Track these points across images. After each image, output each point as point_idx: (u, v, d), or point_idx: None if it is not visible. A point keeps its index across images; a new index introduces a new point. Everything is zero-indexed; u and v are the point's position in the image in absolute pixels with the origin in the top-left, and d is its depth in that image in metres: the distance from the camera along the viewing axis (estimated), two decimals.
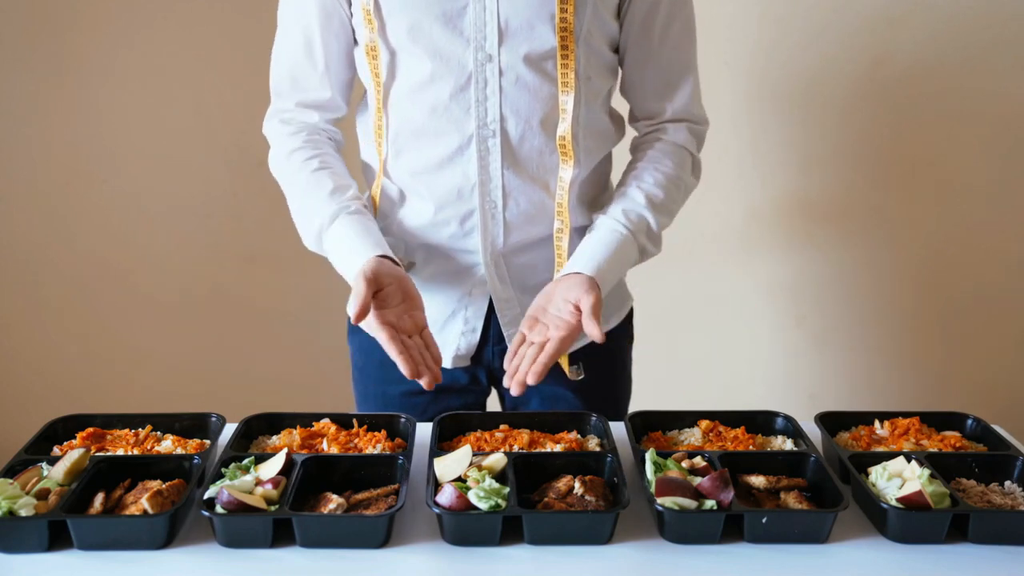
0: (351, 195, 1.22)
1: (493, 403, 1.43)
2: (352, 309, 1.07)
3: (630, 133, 1.35)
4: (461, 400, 1.36)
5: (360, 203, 1.21)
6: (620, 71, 1.28)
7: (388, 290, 1.11)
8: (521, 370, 1.10)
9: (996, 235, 2.00)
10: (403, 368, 1.05)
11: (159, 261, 2.21)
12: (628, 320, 1.41)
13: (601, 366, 1.36)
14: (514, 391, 1.09)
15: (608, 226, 1.21)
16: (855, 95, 1.97)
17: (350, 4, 1.20)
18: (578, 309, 1.12)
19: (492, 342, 1.32)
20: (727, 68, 1.98)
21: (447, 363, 1.31)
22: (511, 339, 1.29)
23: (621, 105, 1.33)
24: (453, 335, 1.30)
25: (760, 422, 1.17)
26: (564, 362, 1.29)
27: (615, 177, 1.36)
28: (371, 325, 1.08)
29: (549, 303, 1.15)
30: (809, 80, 1.98)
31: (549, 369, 1.09)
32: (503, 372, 1.33)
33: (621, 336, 1.39)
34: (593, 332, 1.09)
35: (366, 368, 1.39)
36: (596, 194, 1.31)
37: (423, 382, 1.07)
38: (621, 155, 1.36)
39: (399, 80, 1.19)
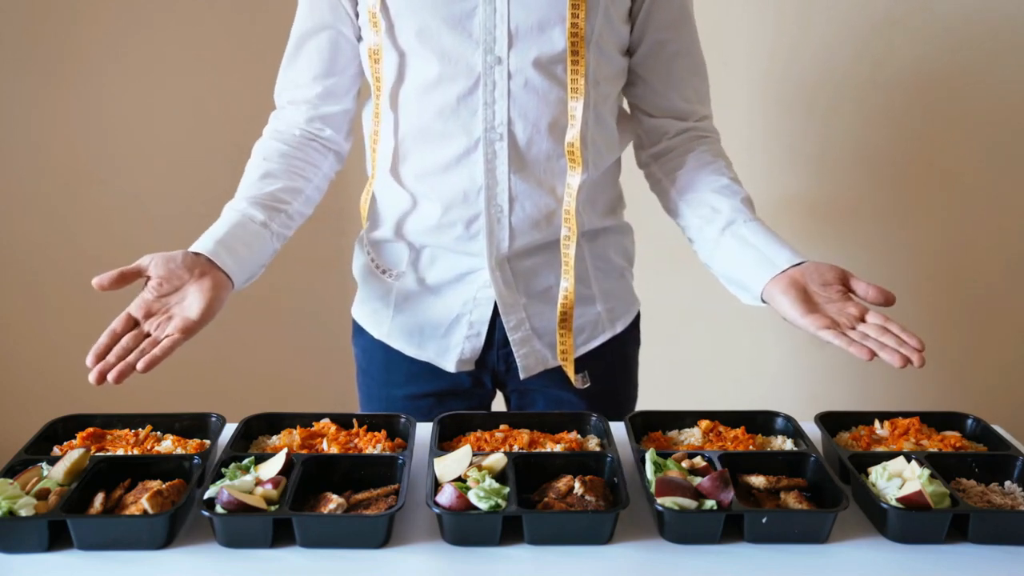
0: (261, 194, 1.21)
1: (497, 407, 1.43)
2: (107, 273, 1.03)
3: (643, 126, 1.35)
4: (465, 404, 1.36)
5: (263, 203, 1.20)
6: (634, 73, 1.27)
7: (165, 283, 1.06)
8: (910, 342, 1.01)
9: (996, 235, 2.00)
10: (89, 353, 1.00)
11: None
12: (635, 324, 1.41)
13: (608, 371, 1.36)
14: (918, 363, 0.99)
15: (754, 220, 1.19)
16: (856, 96, 1.97)
17: (356, 4, 1.20)
18: (845, 285, 1.08)
19: (497, 346, 1.31)
20: (726, 69, 1.98)
21: (451, 367, 1.31)
22: (516, 343, 1.29)
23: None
24: (457, 339, 1.30)
25: (760, 422, 1.17)
26: (570, 370, 1.29)
27: (623, 179, 1.36)
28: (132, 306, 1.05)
29: (810, 297, 1.08)
30: (809, 81, 1.98)
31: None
32: (508, 376, 1.34)
33: (628, 340, 1.39)
34: (887, 295, 1.05)
35: (370, 370, 1.39)
36: (604, 198, 1.30)
37: (90, 375, 0.99)
38: (630, 158, 1.35)
39: (407, 82, 1.19)
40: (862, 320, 1.05)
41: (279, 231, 1.22)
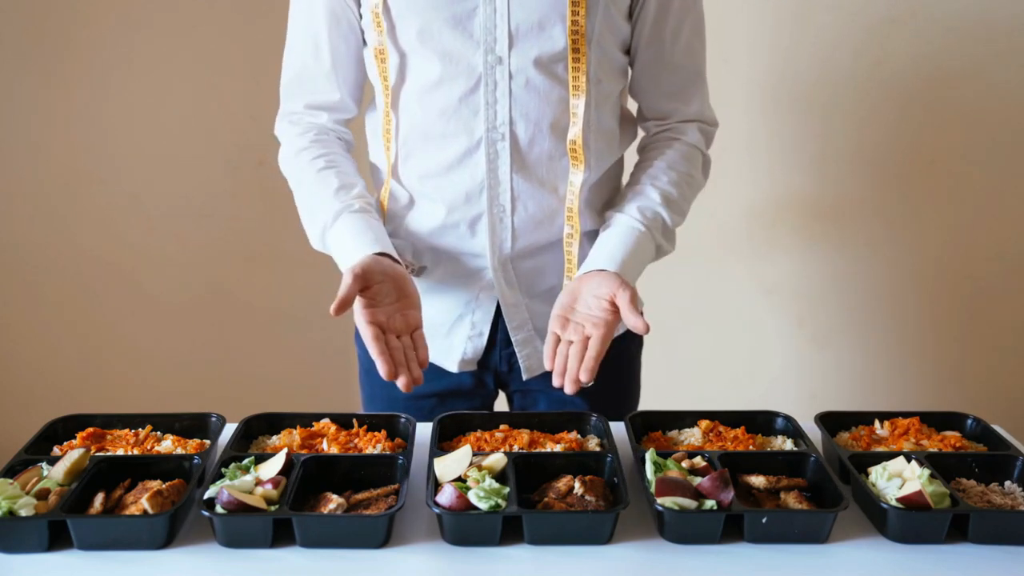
0: (356, 193, 1.21)
1: (500, 407, 1.42)
2: (334, 302, 1.05)
3: (639, 132, 1.35)
4: (468, 404, 1.35)
5: (364, 201, 1.21)
6: (630, 72, 1.27)
7: (380, 287, 1.10)
8: (571, 368, 1.08)
9: (996, 235, 2.00)
10: (380, 368, 1.04)
11: (159, 261, 2.21)
12: None
13: (610, 372, 1.36)
14: (569, 389, 1.07)
15: (625, 223, 1.20)
16: (855, 95, 1.97)
17: (359, 6, 1.20)
18: (613, 305, 1.10)
19: (499, 347, 1.31)
20: (726, 67, 1.98)
21: (453, 367, 1.31)
22: (519, 344, 1.29)
23: (630, 104, 1.33)
24: (460, 339, 1.30)
25: (760, 422, 1.17)
26: None
27: (626, 179, 1.36)
28: (359, 322, 1.07)
29: (576, 302, 1.13)
30: (809, 80, 1.98)
31: (598, 365, 1.07)
32: (511, 376, 1.34)
33: (630, 341, 1.39)
34: (637, 325, 1.06)
35: (372, 371, 1.38)
36: (607, 198, 1.30)
37: (400, 383, 1.05)
38: (631, 157, 1.35)
39: (408, 82, 1.19)
40: (587, 338, 1.10)
41: (375, 206, 1.25)
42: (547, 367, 1.11)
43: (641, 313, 1.39)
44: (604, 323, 1.10)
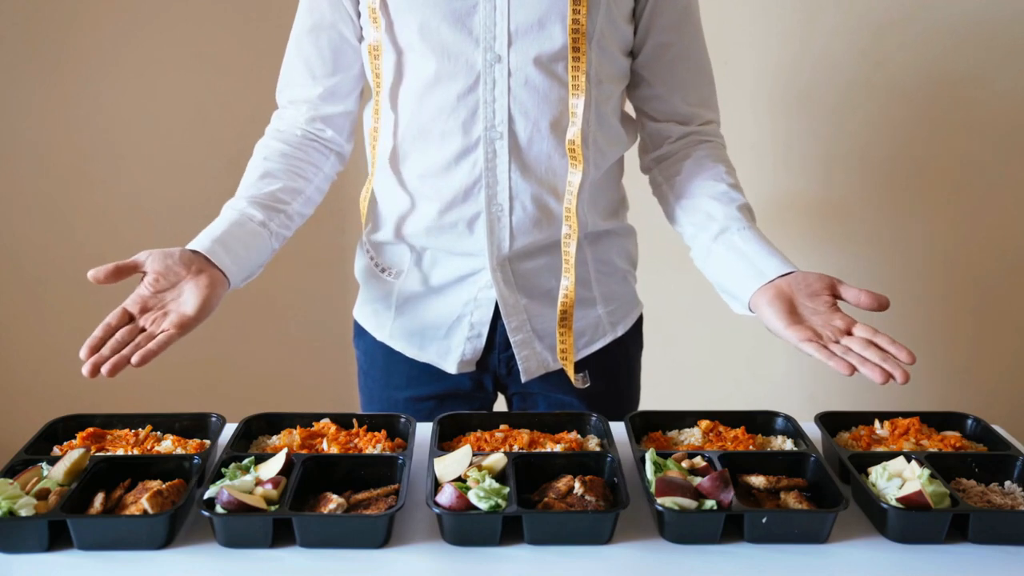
0: (260, 194, 1.21)
1: (499, 410, 1.42)
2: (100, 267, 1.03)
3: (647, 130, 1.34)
4: (467, 407, 1.35)
5: (259, 205, 1.20)
6: (637, 75, 1.27)
7: (159, 277, 1.06)
8: (897, 355, 0.97)
9: (996, 235, 2.01)
10: (83, 346, 1.00)
11: None
12: (637, 327, 1.41)
13: (610, 374, 1.36)
14: (900, 378, 0.95)
15: (752, 229, 1.18)
16: (855, 96, 1.97)
17: (357, 2, 1.20)
18: (832, 295, 1.07)
19: (498, 348, 1.31)
20: (727, 68, 1.98)
21: (452, 368, 1.31)
22: (517, 345, 1.29)
23: (630, 109, 1.32)
24: (459, 340, 1.30)
25: (760, 422, 1.17)
26: (570, 369, 1.29)
27: (626, 181, 1.36)
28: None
29: (797, 308, 1.07)
30: (811, 81, 1.98)
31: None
32: (510, 379, 1.34)
33: (630, 343, 1.39)
34: (881, 299, 1.02)
35: (371, 372, 1.39)
36: (606, 199, 1.30)
37: (84, 367, 0.99)
38: (633, 160, 1.35)
39: (406, 80, 1.19)
40: (849, 332, 1.02)
41: (278, 231, 1.22)
42: (846, 373, 0.98)
43: (639, 326, 1.40)
44: (846, 316, 1.05)
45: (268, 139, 1.28)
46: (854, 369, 0.97)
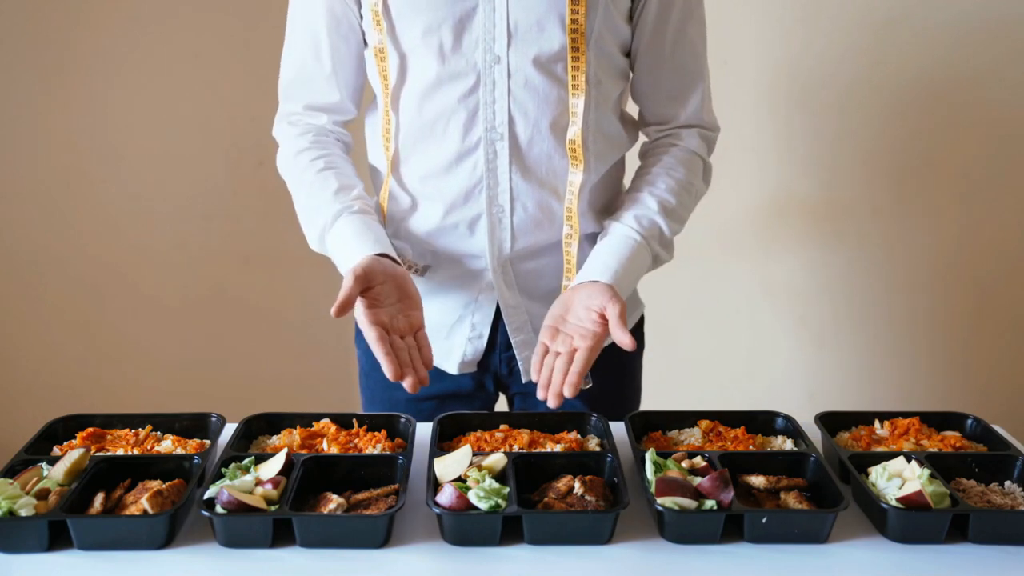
0: (355, 195, 1.20)
1: (500, 410, 1.42)
2: (335, 304, 1.05)
3: (641, 138, 1.34)
4: (468, 407, 1.35)
5: (364, 203, 1.20)
6: (631, 74, 1.27)
7: (382, 288, 1.09)
8: (555, 381, 1.07)
9: (995, 235, 2.01)
10: (386, 369, 1.03)
11: (159, 261, 2.21)
12: (639, 327, 1.41)
13: (611, 374, 1.36)
14: (552, 403, 1.07)
15: (621, 233, 1.19)
16: (855, 96, 1.97)
17: (360, 6, 1.20)
18: (603, 317, 1.09)
19: (499, 349, 1.31)
20: (727, 68, 1.98)
21: (453, 369, 1.31)
22: (518, 346, 1.29)
23: (632, 109, 1.32)
24: (460, 341, 1.30)
25: (760, 422, 1.17)
26: None
27: (627, 181, 1.36)
28: (362, 324, 1.07)
29: (568, 312, 1.12)
30: (810, 81, 1.98)
31: (582, 380, 1.06)
32: (511, 379, 1.34)
33: None
34: (624, 340, 1.06)
35: (372, 373, 1.39)
36: (607, 200, 1.30)
37: (406, 384, 1.04)
38: (634, 160, 1.35)
39: (408, 82, 1.19)
40: (574, 348, 1.09)
41: (374, 208, 1.25)
42: (533, 378, 1.10)
43: (640, 326, 1.40)
44: (593, 335, 1.09)
45: (311, 147, 1.25)
46: (532, 375, 1.10)
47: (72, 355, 2.27)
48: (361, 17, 1.21)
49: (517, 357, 1.30)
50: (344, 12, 1.20)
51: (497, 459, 1.01)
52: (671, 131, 1.28)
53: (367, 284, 1.08)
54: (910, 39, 1.91)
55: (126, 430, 1.14)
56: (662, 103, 1.27)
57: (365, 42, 1.23)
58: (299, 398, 2.28)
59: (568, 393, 1.05)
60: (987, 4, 1.87)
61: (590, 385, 1.32)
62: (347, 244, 1.15)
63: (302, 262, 2.16)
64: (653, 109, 1.29)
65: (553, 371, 1.08)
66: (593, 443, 1.12)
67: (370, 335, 1.05)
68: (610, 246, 1.19)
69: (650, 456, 1.01)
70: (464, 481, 0.97)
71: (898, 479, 0.98)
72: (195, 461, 1.03)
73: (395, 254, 1.16)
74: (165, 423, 1.15)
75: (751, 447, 1.10)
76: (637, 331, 1.40)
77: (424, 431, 1.14)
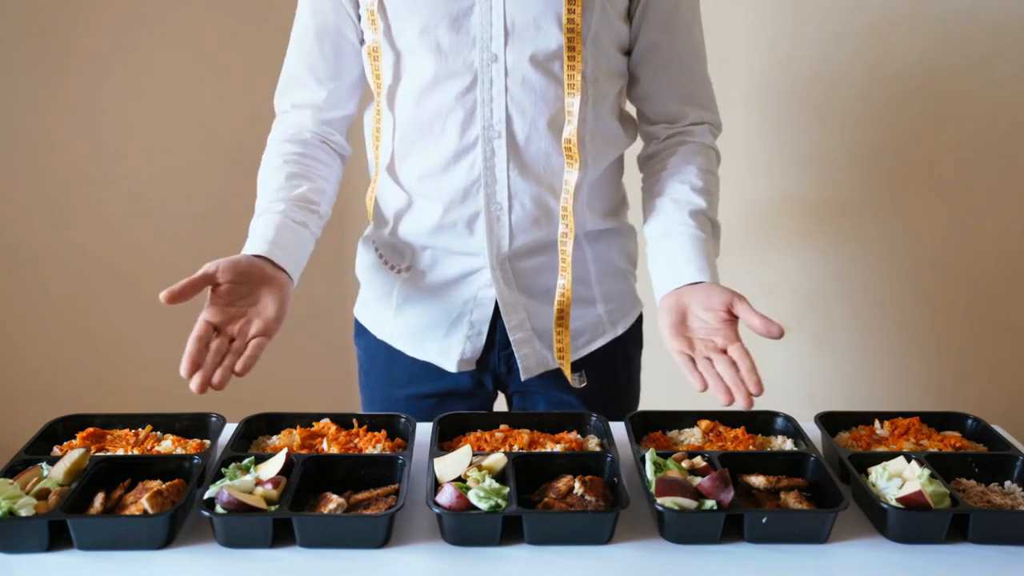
0: (292, 196, 1.20)
1: (499, 409, 1.42)
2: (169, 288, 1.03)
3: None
4: (467, 405, 1.35)
5: (297, 204, 1.19)
6: (632, 74, 1.27)
7: (233, 288, 1.07)
8: (738, 386, 1.00)
9: (995, 235, 2.00)
10: (182, 364, 1.01)
11: (159, 261, 2.21)
12: (637, 326, 1.41)
13: (610, 373, 1.36)
14: (746, 405, 0.99)
15: (687, 233, 1.17)
16: (854, 96, 1.97)
17: (357, 6, 1.20)
18: (729, 313, 1.06)
19: (498, 347, 1.31)
20: (726, 67, 1.98)
21: (452, 367, 1.31)
22: (517, 344, 1.29)
23: (631, 108, 1.32)
24: (458, 339, 1.30)
25: (760, 422, 1.17)
26: (566, 368, 1.29)
27: (626, 180, 1.36)
28: (200, 317, 1.06)
29: (686, 319, 1.08)
30: (808, 80, 1.98)
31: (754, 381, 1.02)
32: (509, 377, 1.34)
33: (629, 342, 1.39)
34: (772, 329, 1.02)
35: (372, 371, 1.39)
36: (605, 198, 1.30)
37: (192, 383, 1.01)
38: (633, 159, 1.35)
39: (404, 81, 1.19)
40: (724, 351, 1.04)
41: (315, 231, 1.23)
42: (699, 388, 1.02)
43: (639, 325, 1.40)
44: (731, 333, 1.05)
45: (280, 143, 1.27)
46: (706, 385, 1.01)
47: (72, 355, 2.27)
48: (359, 17, 1.21)
49: (516, 355, 1.30)
50: (338, 9, 1.21)
51: (497, 459, 1.01)
52: (683, 128, 1.27)
53: (214, 281, 1.06)
54: (908, 38, 1.91)
55: (126, 430, 1.14)
56: (673, 103, 1.27)
57: (361, 41, 1.24)
58: (299, 398, 2.28)
59: (757, 391, 1.00)
60: (985, 4, 1.87)
61: (584, 384, 1.32)
62: (249, 239, 1.16)
63: None
64: (661, 109, 1.28)
65: (726, 379, 1.01)
66: (593, 443, 1.12)
67: (194, 328, 1.04)
68: (684, 247, 1.16)
69: (650, 456, 1.01)
70: (464, 481, 0.97)
71: (898, 479, 0.98)
72: (195, 461, 1.03)
73: (288, 260, 1.13)
74: (165, 423, 1.15)
75: (751, 447, 1.10)
76: (635, 331, 1.40)
77: (424, 431, 1.14)
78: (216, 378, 1.01)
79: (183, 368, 1.01)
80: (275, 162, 1.24)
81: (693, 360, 1.04)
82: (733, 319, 1.06)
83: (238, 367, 1.03)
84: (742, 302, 1.06)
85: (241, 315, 1.08)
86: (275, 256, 1.13)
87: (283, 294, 1.10)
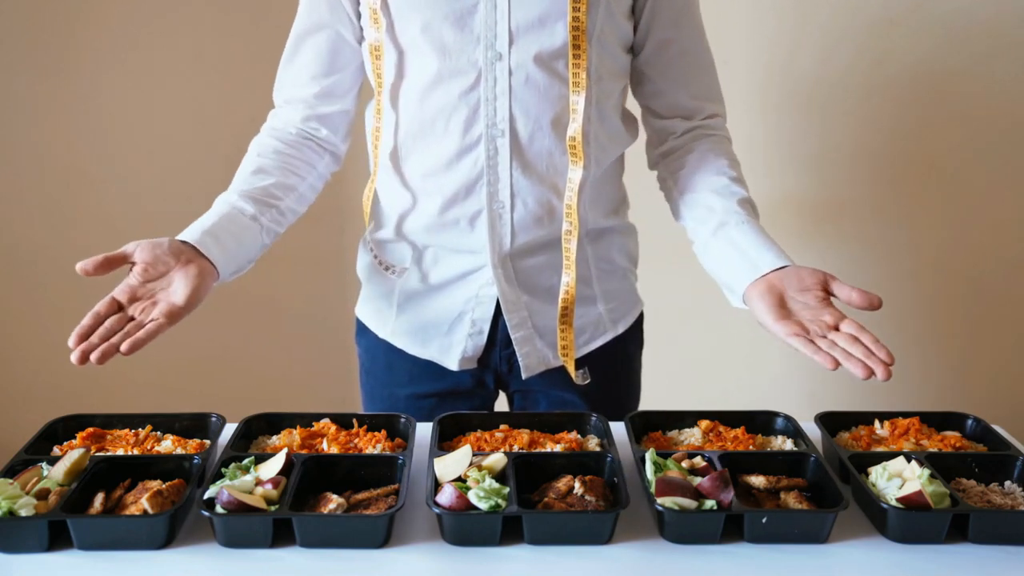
0: (252, 188, 1.21)
1: (500, 408, 1.42)
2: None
3: (642, 136, 1.34)
4: (468, 404, 1.35)
5: (250, 195, 1.21)
6: (641, 72, 1.27)
7: (149, 269, 1.06)
8: (878, 353, 0.99)
9: (995, 235, 2.00)
10: (72, 334, 1.02)
11: None
12: (638, 325, 1.41)
13: (610, 372, 1.36)
14: (883, 375, 0.97)
15: (750, 223, 1.17)
16: (855, 95, 1.97)
17: (357, 3, 1.20)
18: (825, 291, 1.06)
19: (500, 346, 1.31)
20: (726, 67, 1.97)
21: (453, 365, 1.31)
22: (518, 342, 1.29)
23: (632, 106, 1.32)
24: (460, 337, 1.30)
25: (760, 422, 1.17)
26: (570, 366, 1.29)
27: (627, 179, 1.36)
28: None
29: (785, 303, 1.07)
30: (808, 80, 1.98)
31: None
32: (511, 376, 1.34)
33: (630, 341, 1.39)
34: (872, 300, 1.03)
35: (373, 370, 1.39)
36: (608, 196, 1.30)
37: (72, 355, 0.99)
38: (633, 158, 1.35)
39: (407, 79, 1.19)
40: (836, 328, 1.03)
41: (269, 226, 1.22)
42: (830, 367, 0.99)
43: (639, 324, 1.40)
44: (834, 310, 1.05)
45: (263, 136, 1.29)
46: (838, 363, 0.99)
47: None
48: (359, 16, 1.21)
49: (517, 353, 1.30)
50: (332, 8, 1.21)
51: (497, 459, 1.01)
52: (700, 123, 1.28)
53: (129, 260, 1.07)
54: (909, 38, 1.91)
55: (126, 430, 1.14)
56: (685, 97, 1.27)
57: (360, 39, 1.24)
58: (299, 398, 2.28)
59: (890, 360, 0.99)
60: (985, 3, 1.87)
61: (588, 381, 1.32)
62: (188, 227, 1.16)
63: (303, 262, 2.16)
64: (674, 104, 1.28)
65: (857, 355, 1.00)
66: (593, 443, 1.12)
67: (98, 304, 1.05)
68: (749, 234, 1.16)
69: (650, 456, 1.01)
70: (464, 481, 0.97)
71: (898, 479, 0.98)
72: (195, 461, 1.03)
73: (219, 249, 1.13)
74: (165, 423, 1.15)
75: (751, 447, 1.10)
76: (636, 330, 1.40)
77: (424, 431, 1.14)
78: (95, 355, 0.99)
79: (71, 338, 1.00)
80: (248, 156, 1.26)
81: (812, 342, 1.02)
82: (828, 296, 1.06)
83: (124, 347, 1.00)
84: (835, 279, 1.06)
85: (148, 296, 1.07)
86: (204, 245, 1.11)
87: (199, 283, 1.07)
